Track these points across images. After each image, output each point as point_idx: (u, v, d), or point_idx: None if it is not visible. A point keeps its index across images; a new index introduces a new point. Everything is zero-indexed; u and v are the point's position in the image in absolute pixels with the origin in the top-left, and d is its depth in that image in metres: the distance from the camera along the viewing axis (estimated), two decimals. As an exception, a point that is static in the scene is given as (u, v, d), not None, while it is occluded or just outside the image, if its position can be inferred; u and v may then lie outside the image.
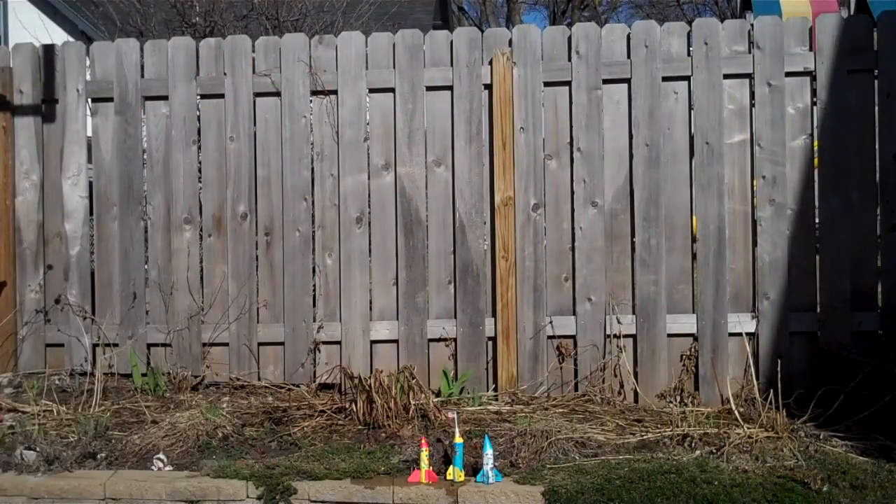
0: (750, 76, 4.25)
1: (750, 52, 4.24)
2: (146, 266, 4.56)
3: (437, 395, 4.22)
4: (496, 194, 4.30)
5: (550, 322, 4.28)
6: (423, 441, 3.27)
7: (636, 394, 4.21)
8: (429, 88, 4.40)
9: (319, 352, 4.43)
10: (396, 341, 4.39)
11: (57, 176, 4.61)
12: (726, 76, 4.24)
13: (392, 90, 4.42)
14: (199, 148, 4.55)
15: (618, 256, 4.29)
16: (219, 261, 4.49)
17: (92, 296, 4.58)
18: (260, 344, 4.46)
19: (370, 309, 4.44)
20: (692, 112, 4.27)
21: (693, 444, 3.48)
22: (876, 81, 4.20)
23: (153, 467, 3.44)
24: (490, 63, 4.34)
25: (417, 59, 4.40)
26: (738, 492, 3.00)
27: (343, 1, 9.54)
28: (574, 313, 4.29)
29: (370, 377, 3.88)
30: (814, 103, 4.22)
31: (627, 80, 4.28)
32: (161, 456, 3.49)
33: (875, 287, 4.20)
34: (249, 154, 4.48)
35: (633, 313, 4.26)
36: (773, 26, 4.22)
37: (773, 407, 3.55)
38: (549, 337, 4.29)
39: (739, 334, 4.16)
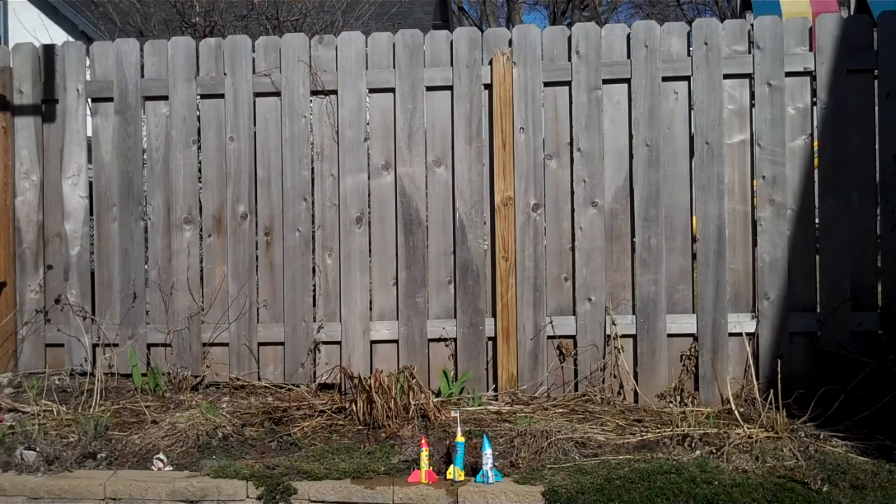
0: (750, 76, 4.25)
1: (750, 52, 4.24)
2: (146, 266, 4.56)
3: (437, 395, 4.22)
4: (496, 194, 4.30)
5: (550, 322, 4.28)
6: (423, 441, 3.27)
7: (636, 394, 4.21)
8: (429, 88, 4.40)
9: (319, 352, 4.43)
10: (396, 341, 4.38)
11: (57, 176, 4.61)
12: (726, 76, 4.24)
13: (392, 90, 4.42)
14: (199, 148, 4.55)
15: (618, 256, 4.29)
16: (219, 261, 4.49)
17: (92, 296, 4.58)
18: (260, 344, 4.46)
19: (370, 309, 4.44)
20: (692, 112, 4.27)
21: (693, 444, 3.48)
22: (876, 81, 4.20)
23: (153, 467, 3.44)
24: (490, 63, 4.34)
25: (417, 59, 4.40)
26: (738, 492, 3.00)
27: (343, 1, 9.54)
28: (574, 313, 4.29)
29: (370, 377, 3.88)
30: (814, 103, 4.22)
31: (627, 80, 4.28)
32: (161, 456, 3.49)
33: (875, 287, 4.20)
34: (249, 154, 4.48)
35: (633, 313, 4.26)
36: (773, 26, 4.22)
37: (773, 407, 3.55)
38: (549, 337, 4.29)
39: (739, 334, 4.16)
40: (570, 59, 4.31)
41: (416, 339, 4.37)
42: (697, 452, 3.41)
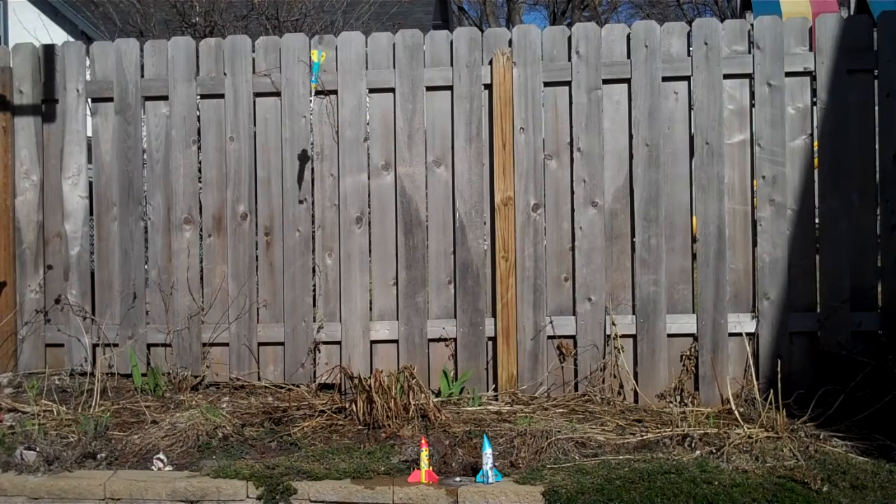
0: (750, 76, 4.25)
1: (750, 52, 4.24)
2: (146, 266, 4.56)
3: (437, 395, 4.22)
4: (496, 194, 4.30)
5: (550, 322, 4.28)
6: (423, 441, 3.27)
7: (636, 394, 4.21)
8: (429, 88, 4.40)
9: (319, 352, 4.43)
10: (396, 341, 4.38)
11: (57, 176, 4.61)
12: (726, 76, 4.24)
13: (392, 90, 4.42)
14: (199, 148, 4.55)
15: (618, 256, 4.30)
16: (219, 261, 4.49)
17: (92, 296, 4.58)
18: (260, 344, 4.46)
19: (370, 309, 4.44)
20: (692, 112, 4.27)
21: (693, 444, 3.48)
22: (876, 81, 4.20)
23: (153, 467, 3.44)
24: (490, 63, 4.34)
25: (417, 59, 4.40)
26: (738, 492, 3.00)
27: (343, 1, 9.54)
28: (574, 313, 4.29)
29: (370, 377, 3.88)
30: (814, 103, 4.22)
31: (627, 80, 4.28)
32: (161, 456, 3.49)
33: (875, 287, 4.20)
34: (249, 154, 4.48)
35: (633, 313, 4.26)
36: (773, 26, 4.22)
37: (773, 407, 3.55)
38: (549, 337, 4.29)
39: (739, 334, 4.16)
40: (570, 59, 4.31)
41: (416, 339, 4.37)
42: (697, 452, 3.41)
